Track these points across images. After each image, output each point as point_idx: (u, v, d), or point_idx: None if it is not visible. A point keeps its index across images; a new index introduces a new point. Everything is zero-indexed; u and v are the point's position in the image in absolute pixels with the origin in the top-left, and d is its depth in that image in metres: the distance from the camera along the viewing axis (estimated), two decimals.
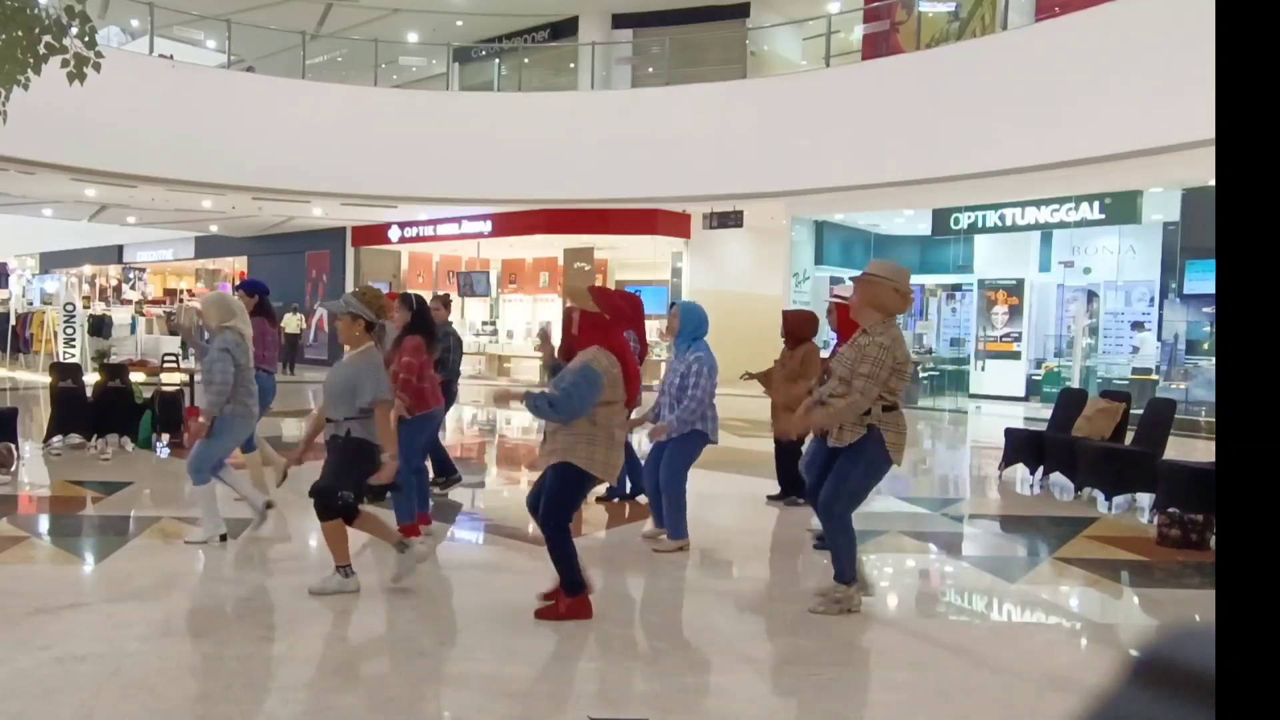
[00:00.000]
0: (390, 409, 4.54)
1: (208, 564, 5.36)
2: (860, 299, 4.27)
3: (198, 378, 11.19)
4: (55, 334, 17.31)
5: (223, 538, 5.51)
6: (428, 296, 6.93)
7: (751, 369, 6.95)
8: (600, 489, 6.96)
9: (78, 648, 3.75)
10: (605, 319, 4.26)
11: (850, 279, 4.29)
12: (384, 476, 4.40)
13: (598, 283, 19.27)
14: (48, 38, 6.47)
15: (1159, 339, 14.94)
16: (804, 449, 5.76)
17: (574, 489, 4.21)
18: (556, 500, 4.16)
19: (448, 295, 7.65)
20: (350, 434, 4.42)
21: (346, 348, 4.62)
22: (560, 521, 4.20)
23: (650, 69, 17.80)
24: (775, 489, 7.06)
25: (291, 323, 19.78)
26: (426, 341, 5.72)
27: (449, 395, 7.00)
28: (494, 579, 5.19)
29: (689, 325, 5.63)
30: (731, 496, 7.39)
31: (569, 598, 4.23)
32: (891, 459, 4.28)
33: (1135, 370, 14.41)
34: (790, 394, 6.53)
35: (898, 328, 4.31)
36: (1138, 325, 15.30)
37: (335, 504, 4.36)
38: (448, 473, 7.17)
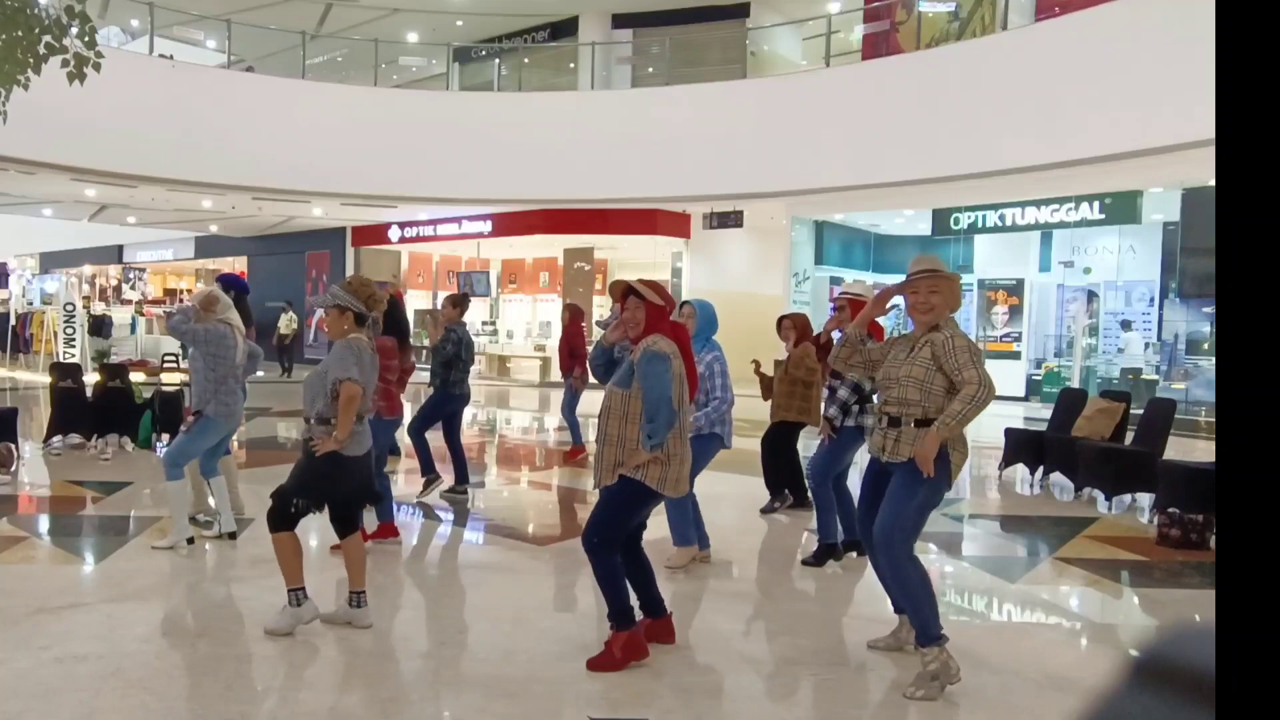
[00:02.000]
0: (356, 391, 3.97)
1: (208, 564, 5.36)
2: (943, 299, 3.73)
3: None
4: (55, 334, 17.31)
5: (189, 541, 5.34)
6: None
7: (762, 362, 7.02)
8: (514, 488, 6.94)
9: (78, 648, 3.75)
10: (666, 310, 3.84)
11: (912, 276, 3.72)
12: (325, 446, 3.93)
13: (597, 283, 19.28)
14: (48, 38, 6.48)
15: (1159, 338, 14.96)
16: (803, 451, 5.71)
17: (634, 508, 3.74)
18: (609, 519, 3.70)
19: (464, 295, 7.44)
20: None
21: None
22: (608, 539, 3.69)
23: (650, 69, 17.81)
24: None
25: (284, 323, 19.67)
26: (398, 342, 5.58)
27: (463, 395, 6.96)
28: (494, 579, 5.18)
29: (705, 324, 5.39)
30: (731, 497, 7.38)
31: (620, 633, 3.70)
32: (953, 478, 3.70)
33: (1124, 370, 14.49)
34: (789, 390, 6.57)
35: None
36: (1125, 324, 15.34)
37: (288, 511, 3.98)
38: (461, 478, 7.10)
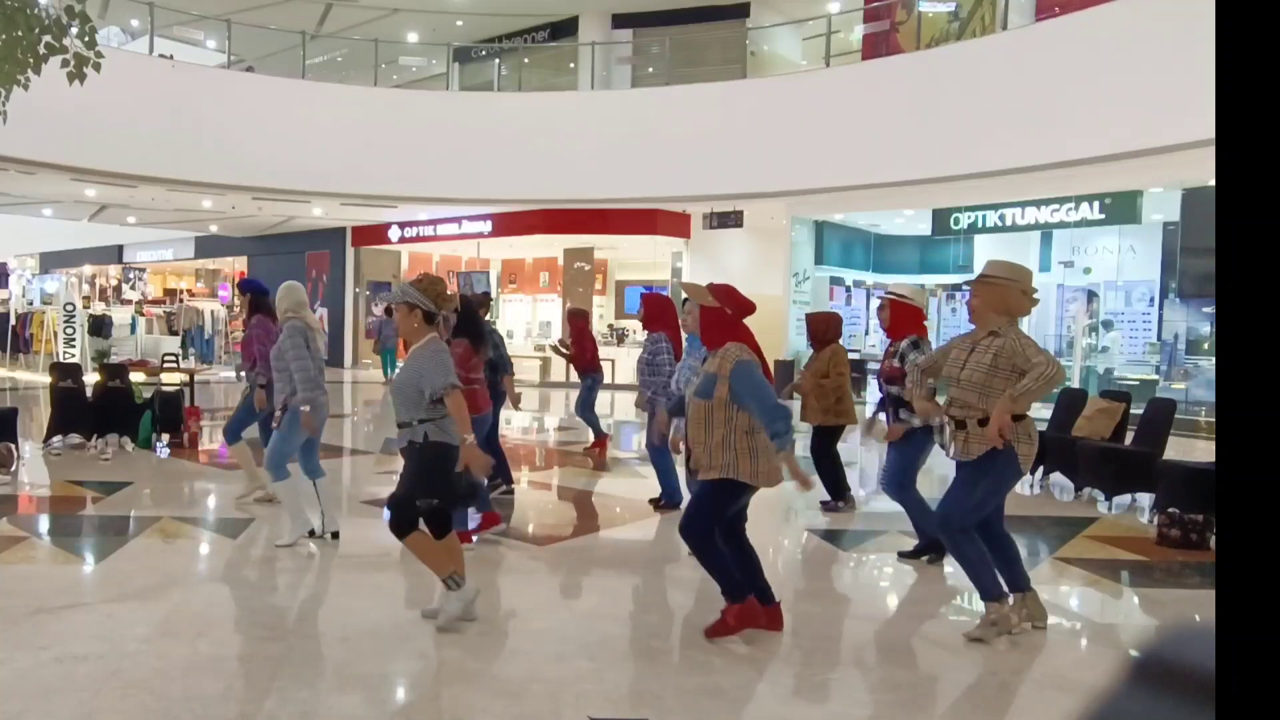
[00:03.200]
0: (460, 395, 4.07)
1: (208, 564, 5.36)
2: (982, 302, 3.95)
3: (198, 377, 11.20)
4: (55, 334, 17.31)
5: (311, 533, 5.48)
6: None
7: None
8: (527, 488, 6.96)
9: (78, 648, 3.75)
10: (727, 314, 4.00)
11: (966, 283, 4.05)
12: (474, 463, 4.04)
13: (597, 283, 19.29)
14: (48, 38, 6.47)
15: (1159, 338, 14.97)
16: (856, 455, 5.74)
17: (727, 502, 3.93)
18: (703, 512, 3.93)
19: (486, 294, 7.53)
20: (427, 437, 4.06)
21: (407, 341, 4.26)
22: (704, 531, 3.92)
23: (650, 69, 17.80)
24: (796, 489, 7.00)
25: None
26: (472, 343, 5.63)
27: (501, 394, 6.88)
28: (494, 579, 5.19)
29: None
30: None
31: (734, 605, 3.96)
32: (1022, 469, 4.00)
33: (1106, 369, 14.54)
34: (819, 392, 6.58)
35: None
36: (1107, 324, 15.37)
37: (413, 516, 4.02)
38: (504, 479, 7.01)
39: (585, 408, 9.59)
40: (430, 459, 4.05)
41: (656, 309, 6.78)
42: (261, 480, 6.38)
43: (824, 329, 6.78)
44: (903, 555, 5.46)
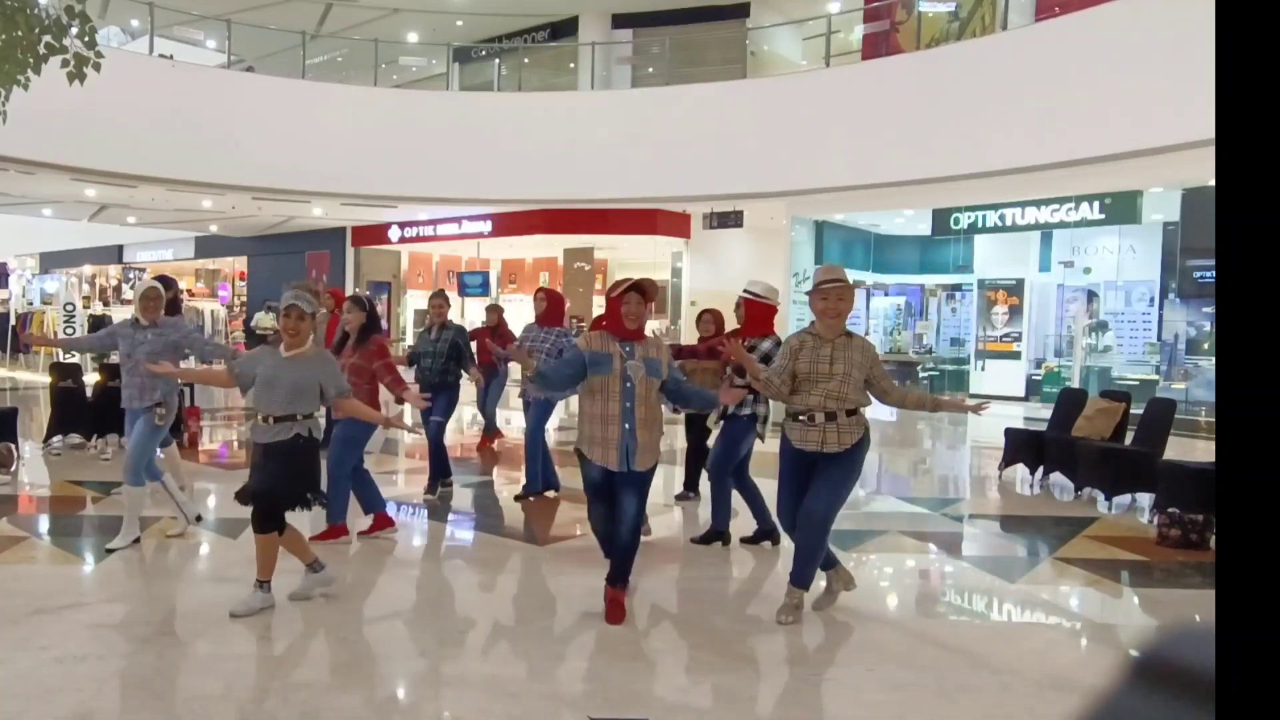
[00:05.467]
0: (352, 397, 4.63)
1: (208, 564, 5.36)
2: (848, 306, 4.34)
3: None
4: (55, 334, 17.30)
5: (135, 540, 5.41)
6: (429, 296, 7.18)
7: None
8: (519, 488, 7.22)
9: (78, 648, 3.75)
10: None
11: (824, 284, 4.32)
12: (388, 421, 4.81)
13: (597, 283, 19.29)
14: (48, 38, 6.47)
15: (1158, 338, 14.97)
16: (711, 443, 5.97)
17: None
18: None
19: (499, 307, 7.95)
20: (311, 433, 4.31)
21: (294, 344, 4.34)
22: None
23: (650, 69, 17.80)
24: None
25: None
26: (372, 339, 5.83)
27: (451, 390, 7.07)
28: (494, 579, 5.19)
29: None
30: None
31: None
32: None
33: (1099, 369, 14.56)
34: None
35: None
36: (1103, 325, 15.38)
37: (283, 511, 4.24)
38: (444, 475, 7.19)
39: (491, 402, 9.92)
40: (307, 456, 4.29)
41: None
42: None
43: (722, 324, 6.87)
44: (744, 541, 5.78)
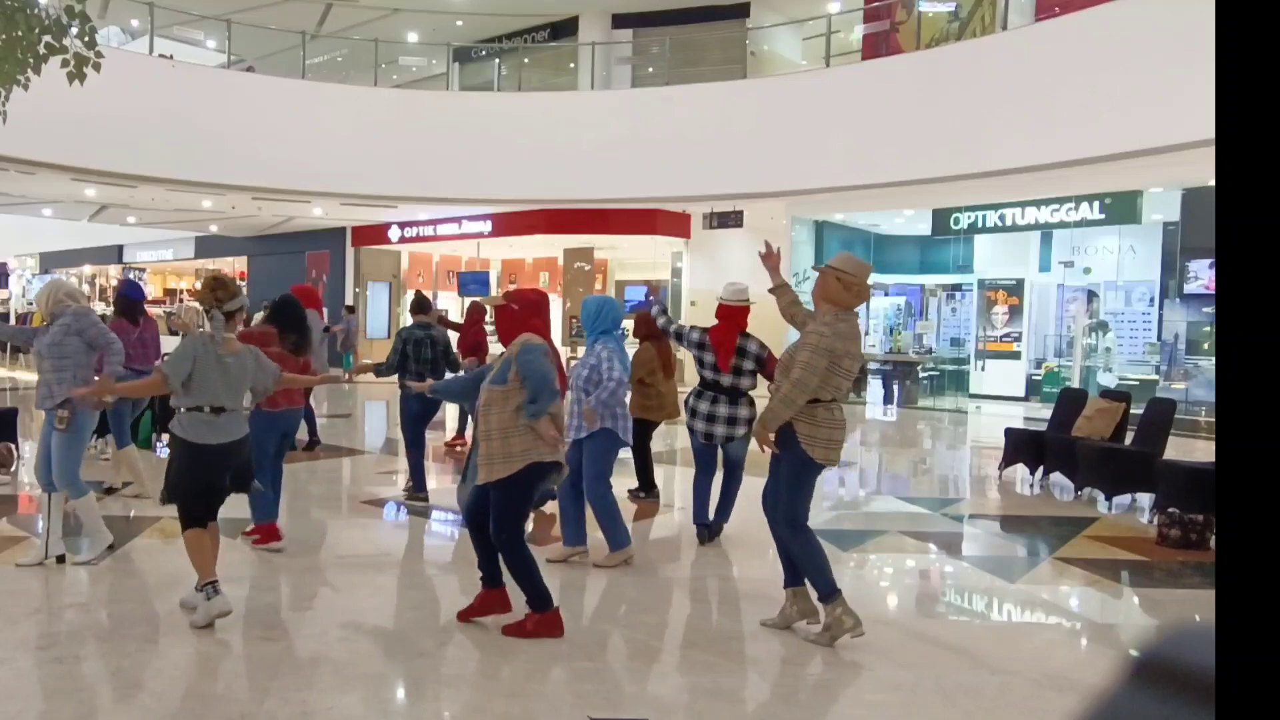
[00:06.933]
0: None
1: None
2: (816, 291, 4.05)
3: None
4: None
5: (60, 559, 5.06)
6: (430, 296, 7.17)
7: None
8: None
9: (78, 648, 3.75)
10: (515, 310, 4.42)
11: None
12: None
13: (597, 282, 19.29)
14: (48, 38, 6.47)
15: (1158, 338, 14.97)
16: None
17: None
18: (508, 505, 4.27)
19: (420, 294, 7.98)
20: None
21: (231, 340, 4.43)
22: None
23: (650, 69, 17.80)
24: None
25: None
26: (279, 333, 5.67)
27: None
28: None
29: (589, 320, 5.35)
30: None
31: (542, 614, 4.10)
32: (812, 457, 3.89)
33: (1091, 368, 14.57)
34: (639, 387, 6.79)
35: (851, 323, 4.00)
36: (1102, 325, 15.39)
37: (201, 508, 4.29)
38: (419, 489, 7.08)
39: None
40: (249, 450, 4.44)
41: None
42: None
43: (645, 325, 6.91)
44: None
